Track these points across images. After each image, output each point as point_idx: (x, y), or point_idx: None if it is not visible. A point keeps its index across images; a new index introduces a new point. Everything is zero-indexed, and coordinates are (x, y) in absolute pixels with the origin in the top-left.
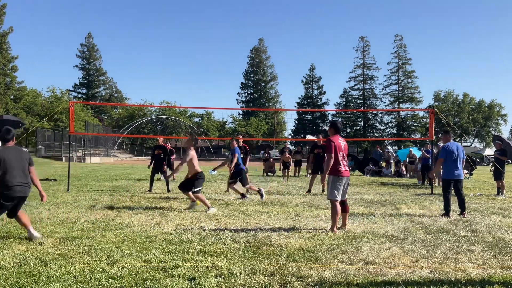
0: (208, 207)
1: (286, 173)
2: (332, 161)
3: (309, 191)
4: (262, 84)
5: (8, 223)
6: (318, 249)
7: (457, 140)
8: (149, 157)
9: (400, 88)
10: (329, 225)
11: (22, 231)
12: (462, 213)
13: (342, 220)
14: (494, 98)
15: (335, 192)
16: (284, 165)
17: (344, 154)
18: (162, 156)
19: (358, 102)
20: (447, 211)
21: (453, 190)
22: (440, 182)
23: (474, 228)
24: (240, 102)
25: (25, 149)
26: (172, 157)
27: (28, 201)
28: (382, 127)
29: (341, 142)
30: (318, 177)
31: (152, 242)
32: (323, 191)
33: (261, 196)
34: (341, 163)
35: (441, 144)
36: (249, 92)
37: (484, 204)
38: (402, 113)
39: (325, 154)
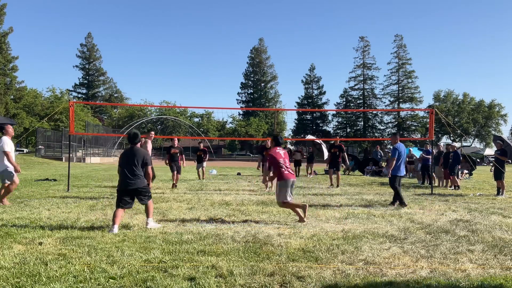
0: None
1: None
2: (277, 169)
3: (331, 185)
4: (262, 84)
5: (8, 223)
6: (318, 249)
7: (457, 140)
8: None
9: (400, 88)
10: (329, 225)
11: (22, 231)
12: (393, 203)
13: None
14: (494, 98)
15: (284, 194)
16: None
17: (286, 159)
18: None
19: (358, 102)
20: (402, 202)
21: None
22: (440, 182)
23: (474, 228)
24: (240, 102)
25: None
26: None
27: (28, 201)
28: (382, 127)
29: (279, 151)
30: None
31: (152, 242)
32: (337, 186)
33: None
34: (284, 167)
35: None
36: (249, 92)
37: (484, 204)
38: (402, 113)
39: (271, 164)
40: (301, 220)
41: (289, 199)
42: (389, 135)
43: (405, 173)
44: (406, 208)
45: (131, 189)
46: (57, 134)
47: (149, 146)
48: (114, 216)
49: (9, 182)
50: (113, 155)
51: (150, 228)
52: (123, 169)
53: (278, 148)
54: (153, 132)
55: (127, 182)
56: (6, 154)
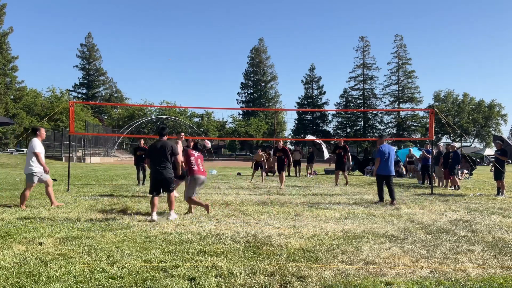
0: None
1: (260, 173)
2: (189, 166)
3: (336, 184)
4: (262, 84)
5: (8, 223)
6: (318, 249)
7: (457, 140)
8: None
9: (400, 88)
10: (329, 225)
11: (22, 231)
12: (392, 202)
13: (191, 208)
14: (494, 98)
15: (192, 190)
16: (256, 164)
17: (199, 159)
18: (143, 156)
19: (358, 102)
20: (381, 198)
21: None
22: (440, 182)
23: (474, 228)
24: (240, 102)
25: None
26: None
27: (28, 201)
28: (382, 127)
29: (194, 152)
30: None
31: (152, 242)
32: (346, 183)
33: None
34: (195, 165)
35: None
36: (249, 92)
37: (484, 204)
38: (402, 113)
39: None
40: (207, 210)
41: (194, 195)
42: (389, 135)
43: (392, 173)
44: (406, 208)
45: (160, 179)
46: (57, 134)
47: (180, 147)
48: (152, 204)
49: (33, 184)
50: (113, 155)
51: (171, 220)
52: (153, 161)
53: (193, 150)
54: (183, 134)
55: (157, 172)
56: (36, 155)
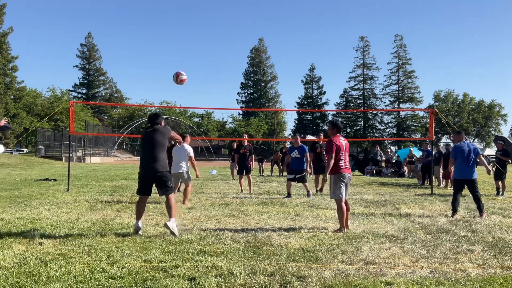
0: None
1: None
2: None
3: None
4: (262, 84)
5: (8, 223)
6: (318, 249)
7: None
8: None
9: (400, 88)
10: (329, 225)
11: (22, 231)
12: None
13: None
14: (494, 98)
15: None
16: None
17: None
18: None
19: (358, 102)
20: (454, 210)
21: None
22: (442, 183)
23: (474, 228)
24: (240, 102)
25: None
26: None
27: (28, 201)
28: (382, 127)
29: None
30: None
31: (152, 242)
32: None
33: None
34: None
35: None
36: (249, 92)
37: (484, 204)
38: (402, 113)
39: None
40: None
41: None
42: (389, 135)
43: (466, 176)
44: (406, 208)
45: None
46: (57, 134)
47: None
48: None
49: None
50: (113, 155)
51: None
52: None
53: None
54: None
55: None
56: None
